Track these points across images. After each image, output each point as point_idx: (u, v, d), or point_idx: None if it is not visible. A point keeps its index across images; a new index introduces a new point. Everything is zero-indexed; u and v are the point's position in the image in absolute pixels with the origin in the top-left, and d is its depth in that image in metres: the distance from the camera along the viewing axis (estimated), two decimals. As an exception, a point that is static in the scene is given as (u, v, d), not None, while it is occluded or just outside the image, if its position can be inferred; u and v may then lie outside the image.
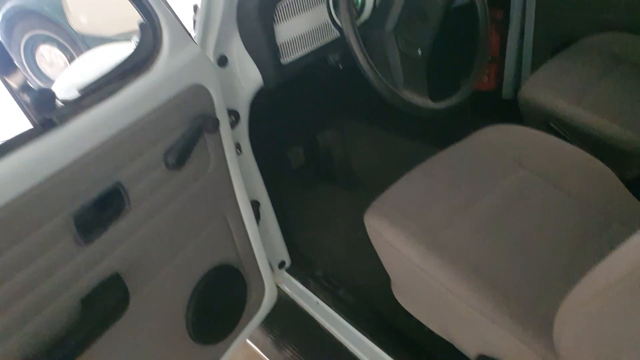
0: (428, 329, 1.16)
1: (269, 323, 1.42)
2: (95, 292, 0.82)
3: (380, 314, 1.36)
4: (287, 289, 1.49)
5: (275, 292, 1.30)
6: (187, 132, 0.90)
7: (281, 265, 1.47)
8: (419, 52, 1.23)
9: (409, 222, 1.06)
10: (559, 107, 1.42)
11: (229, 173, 1.06)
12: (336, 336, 1.37)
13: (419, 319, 1.19)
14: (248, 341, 1.43)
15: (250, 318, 1.25)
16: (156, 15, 0.86)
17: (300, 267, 1.49)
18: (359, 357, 1.32)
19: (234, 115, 1.15)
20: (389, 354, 1.25)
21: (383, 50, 1.21)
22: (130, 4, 0.85)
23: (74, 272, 0.78)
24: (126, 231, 0.85)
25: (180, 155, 0.89)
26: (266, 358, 1.40)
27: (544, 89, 1.47)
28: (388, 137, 1.95)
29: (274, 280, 1.30)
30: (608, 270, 0.63)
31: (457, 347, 1.10)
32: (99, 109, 0.79)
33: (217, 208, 1.06)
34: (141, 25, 0.87)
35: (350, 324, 1.33)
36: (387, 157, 1.88)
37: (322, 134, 1.75)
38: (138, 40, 0.88)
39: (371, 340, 1.29)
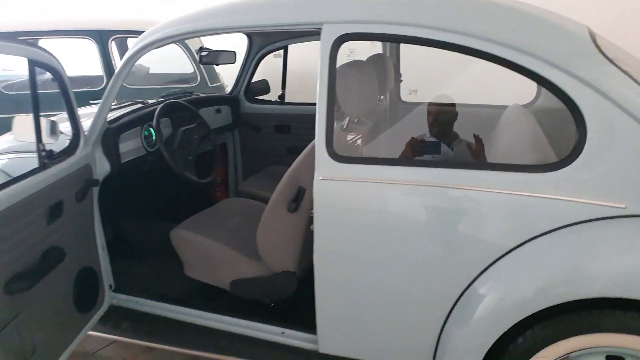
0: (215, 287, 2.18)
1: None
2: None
3: (187, 289, 2.33)
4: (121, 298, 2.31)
5: (105, 300, 2.21)
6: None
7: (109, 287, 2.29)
8: (190, 157, 2.60)
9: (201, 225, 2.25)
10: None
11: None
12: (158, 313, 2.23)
13: (202, 279, 2.21)
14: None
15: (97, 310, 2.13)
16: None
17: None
18: (188, 321, 2.15)
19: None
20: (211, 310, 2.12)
21: (174, 156, 2.48)
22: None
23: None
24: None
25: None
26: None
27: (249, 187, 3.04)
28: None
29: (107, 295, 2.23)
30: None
31: (214, 282, 2.18)
32: None
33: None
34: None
35: (168, 302, 2.21)
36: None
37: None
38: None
39: (194, 308, 2.15)
